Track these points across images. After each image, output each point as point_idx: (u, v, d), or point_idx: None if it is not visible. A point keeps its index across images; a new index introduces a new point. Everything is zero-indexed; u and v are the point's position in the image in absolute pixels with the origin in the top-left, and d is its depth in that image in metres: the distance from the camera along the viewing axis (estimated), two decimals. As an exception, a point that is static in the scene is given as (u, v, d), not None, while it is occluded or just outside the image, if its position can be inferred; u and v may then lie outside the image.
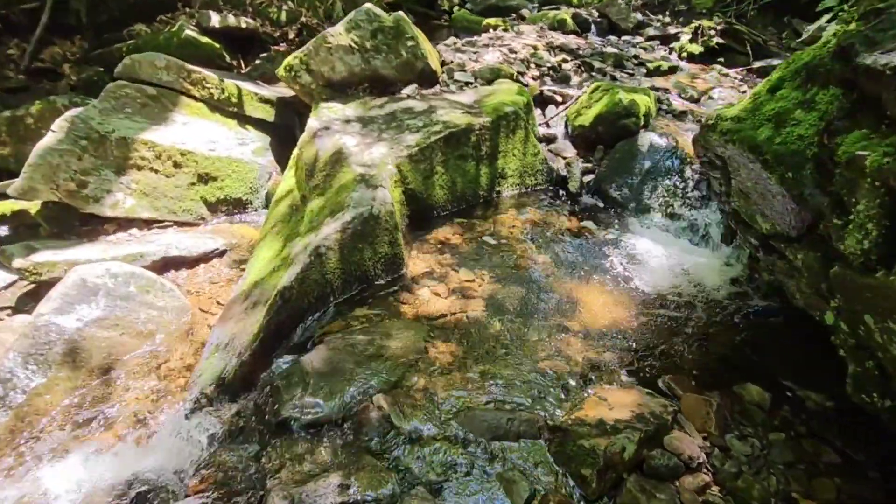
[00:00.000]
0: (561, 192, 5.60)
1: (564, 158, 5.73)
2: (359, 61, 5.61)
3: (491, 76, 6.30)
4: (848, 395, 2.72)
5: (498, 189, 5.25)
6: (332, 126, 5.00)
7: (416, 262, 4.43)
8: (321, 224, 3.84)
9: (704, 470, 2.42)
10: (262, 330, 2.81)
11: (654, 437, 2.43)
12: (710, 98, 6.67)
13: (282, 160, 5.48)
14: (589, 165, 5.60)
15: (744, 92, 6.76)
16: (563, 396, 2.87)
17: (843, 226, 2.15)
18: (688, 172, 5.11)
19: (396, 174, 4.45)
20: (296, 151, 5.03)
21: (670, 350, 3.69)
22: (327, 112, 5.29)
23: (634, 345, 3.72)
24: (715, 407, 3.04)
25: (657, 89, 6.45)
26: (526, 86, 6.34)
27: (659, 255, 4.68)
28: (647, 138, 5.44)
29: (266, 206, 5.79)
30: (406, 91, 5.82)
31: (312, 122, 5.15)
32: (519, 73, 6.69)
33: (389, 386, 2.61)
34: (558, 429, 2.43)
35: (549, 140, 5.99)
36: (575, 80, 6.86)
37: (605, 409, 2.65)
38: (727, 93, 6.81)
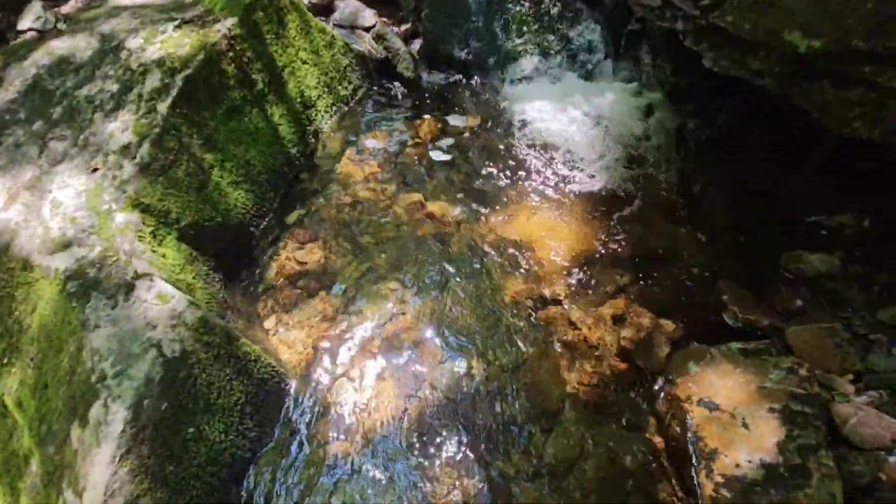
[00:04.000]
0: (391, 85, 3.48)
1: (367, 31, 3.42)
2: None
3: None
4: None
5: (312, 130, 2.95)
6: None
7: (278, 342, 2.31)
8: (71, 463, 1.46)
9: None
10: None
11: None
12: None
13: None
14: (407, 27, 3.42)
15: None
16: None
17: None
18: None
19: (145, 223, 1.96)
20: None
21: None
22: None
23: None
24: None
25: None
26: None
27: (561, 120, 3.19)
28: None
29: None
30: (28, 22, 2.65)
31: None
32: None
33: None
34: None
35: (327, 9, 3.51)
36: None
37: None
38: None
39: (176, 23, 2.58)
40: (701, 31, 2.20)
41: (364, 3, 3.64)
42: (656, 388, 2.11)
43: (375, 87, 3.54)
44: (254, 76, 2.68)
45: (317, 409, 2.12)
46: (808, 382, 1.86)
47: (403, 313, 2.41)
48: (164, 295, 1.72)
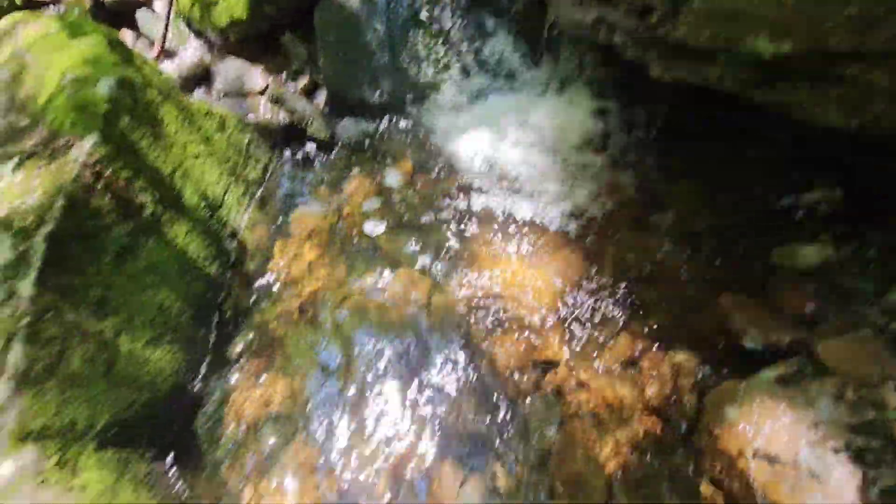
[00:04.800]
0: (304, 149, 2.98)
1: (260, 94, 2.90)
2: None
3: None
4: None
5: (227, 234, 2.47)
6: None
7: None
8: None
9: None
10: None
11: None
12: None
13: None
14: (305, 81, 2.94)
15: None
16: None
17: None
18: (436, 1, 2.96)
19: (46, 455, 1.46)
20: None
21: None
22: None
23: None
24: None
25: None
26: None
27: (501, 148, 2.91)
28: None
29: None
30: None
31: None
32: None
33: None
34: None
35: (204, 78, 2.94)
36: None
37: None
38: None
39: (14, 161, 1.95)
40: (645, 43, 1.90)
41: (246, 61, 3.07)
42: (700, 444, 1.86)
43: (287, 157, 3.02)
44: (138, 199, 2.11)
45: None
46: (861, 407, 1.66)
47: (402, 437, 2.00)
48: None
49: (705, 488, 1.81)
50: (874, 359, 1.80)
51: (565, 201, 2.68)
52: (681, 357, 2.13)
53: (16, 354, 1.60)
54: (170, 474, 1.84)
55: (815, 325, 2.00)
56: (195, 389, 2.10)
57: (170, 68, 3.12)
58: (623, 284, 2.34)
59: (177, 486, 1.83)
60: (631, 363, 2.19)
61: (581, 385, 2.16)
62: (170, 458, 1.88)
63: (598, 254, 2.51)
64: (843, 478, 1.57)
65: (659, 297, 2.34)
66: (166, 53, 3.18)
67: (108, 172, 2.04)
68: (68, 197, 1.87)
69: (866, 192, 2.26)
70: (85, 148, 2.00)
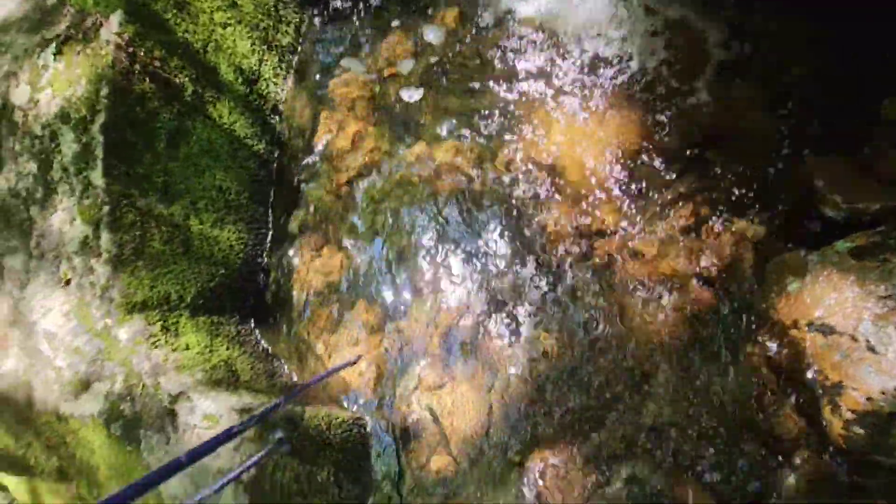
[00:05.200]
0: (337, 4, 2.71)
1: None
2: None
3: None
4: None
5: (269, 107, 2.53)
6: None
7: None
8: None
9: None
10: None
11: None
12: None
13: None
14: None
15: None
16: None
17: None
18: None
19: (150, 323, 1.86)
20: None
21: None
22: None
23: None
24: None
25: None
26: None
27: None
28: None
29: None
30: None
31: None
32: None
33: None
34: None
35: None
36: None
37: None
38: None
39: (52, 47, 1.94)
40: None
41: None
42: (754, 315, 1.84)
43: (320, 14, 2.77)
44: (177, 79, 2.08)
45: (399, 434, 2.02)
46: None
47: (450, 302, 2.15)
48: (210, 416, 1.52)
49: (754, 355, 1.83)
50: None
51: (627, 47, 2.32)
52: (745, 224, 1.99)
53: (104, 240, 1.77)
54: (254, 335, 2.12)
55: (914, 191, 1.74)
56: (264, 263, 2.28)
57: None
58: (693, 144, 2.12)
59: (261, 344, 2.12)
60: (690, 230, 2.08)
61: (633, 255, 2.12)
62: (252, 322, 2.15)
63: (663, 108, 2.25)
64: (904, 351, 1.52)
65: (731, 159, 2.12)
66: None
67: (141, 53, 1.97)
68: (111, 84, 1.86)
69: None
70: (113, 27, 1.92)
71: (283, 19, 2.58)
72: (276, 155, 2.46)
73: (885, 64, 1.92)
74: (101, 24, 1.94)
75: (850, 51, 2.00)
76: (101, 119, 1.85)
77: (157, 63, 2.03)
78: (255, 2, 2.46)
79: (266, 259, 2.32)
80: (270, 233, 2.35)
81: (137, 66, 1.96)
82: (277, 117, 2.51)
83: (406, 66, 2.54)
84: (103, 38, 1.91)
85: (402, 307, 2.22)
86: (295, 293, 2.34)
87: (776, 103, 2.11)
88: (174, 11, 2.13)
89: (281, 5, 2.58)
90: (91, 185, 1.81)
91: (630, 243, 2.13)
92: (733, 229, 2.00)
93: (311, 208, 2.50)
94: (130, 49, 1.94)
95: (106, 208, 1.80)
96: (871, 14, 1.95)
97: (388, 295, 2.24)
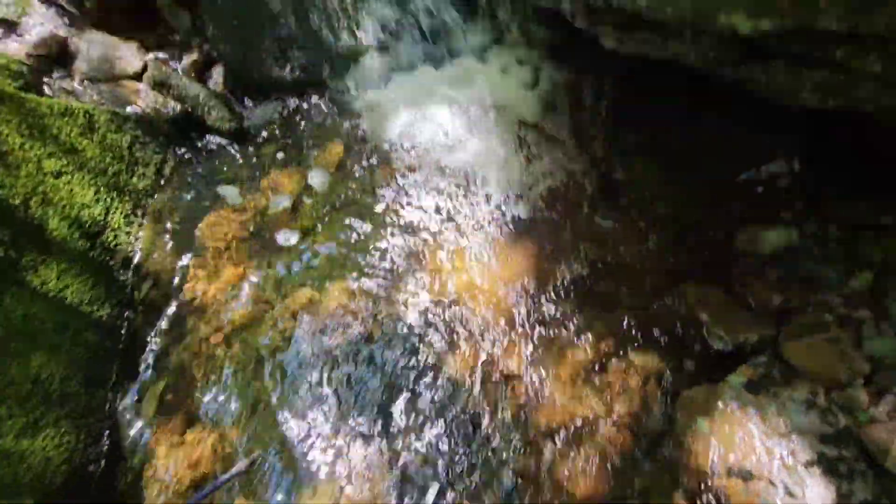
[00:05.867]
0: (204, 145, 2.50)
1: (137, 78, 2.33)
2: None
3: None
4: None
5: (120, 260, 2.06)
6: None
7: None
8: None
9: None
10: None
11: None
12: None
13: None
14: (193, 57, 2.38)
15: None
16: None
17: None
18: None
19: None
20: None
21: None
22: None
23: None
24: None
25: None
26: None
27: (437, 128, 2.53)
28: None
29: None
30: None
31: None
32: None
33: None
34: None
35: (60, 57, 2.32)
36: None
37: None
38: None
39: None
40: (598, 12, 1.55)
41: (114, 34, 2.41)
42: (673, 459, 1.74)
43: (184, 155, 2.47)
44: None
45: None
46: (831, 414, 1.57)
47: (355, 489, 1.76)
48: None
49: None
50: (840, 356, 1.69)
51: (511, 187, 2.36)
52: (646, 359, 1.97)
53: None
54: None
55: (781, 319, 1.86)
56: (100, 471, 1.71)
57: (13, 46, 2.41)
58: (580, 279, 2.13)
59: None
60: (595, 369, 2.01)
61: (543, 398, 1.97)
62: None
63: (551, 246, 2.27)
64: (818, 495, 1.48)
65: (619, 291, 2.15)
66: (5, 25, 2.44)
67: None
68: None
69: (827, 164, 2.09)
70: None
71: (140, 161, 2.25)
72: (125, 318, 1.99)
73: (733, 202, 2.13)
74: None
75: (702, 191, 2.22)
76: None
77: (-52, 229, 1.55)
78: (102, 145, 2.12)
79: (103, 463, 1.75)
80: (111, 423, 1.80)
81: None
82: (129, 272, 2.07)
83: (291, 203, 2.32)
84: None
85: (301, 493, 1.78)
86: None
87: (648, 237, 2.22)
88: (-16, 164, 1.69)
89: (137, 146, 2.26)
90: None
91: (537, 386, 1.99)
92: (637, 365, 1.96)
93: (173, 379, 2.02)
94: None
95: None
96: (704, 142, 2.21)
97: (277, 490, 1.79)
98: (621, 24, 1.55)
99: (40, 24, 2.49)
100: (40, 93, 2.15)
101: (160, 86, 2.30)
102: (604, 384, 1.97)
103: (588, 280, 2.14)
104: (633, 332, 2.05)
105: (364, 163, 2.47)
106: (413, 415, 1.93)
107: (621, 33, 1.59)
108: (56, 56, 2.40)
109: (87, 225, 1.96)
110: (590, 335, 2.07)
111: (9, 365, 1.58)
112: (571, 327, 2.12)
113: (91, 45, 2.37)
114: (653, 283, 2.15)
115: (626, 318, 2.05)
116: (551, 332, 2.11)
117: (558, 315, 2.14)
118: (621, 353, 2.02)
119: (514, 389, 2.01)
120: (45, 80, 2.35)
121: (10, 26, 2.46)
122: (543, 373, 2.01)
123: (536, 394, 1.98)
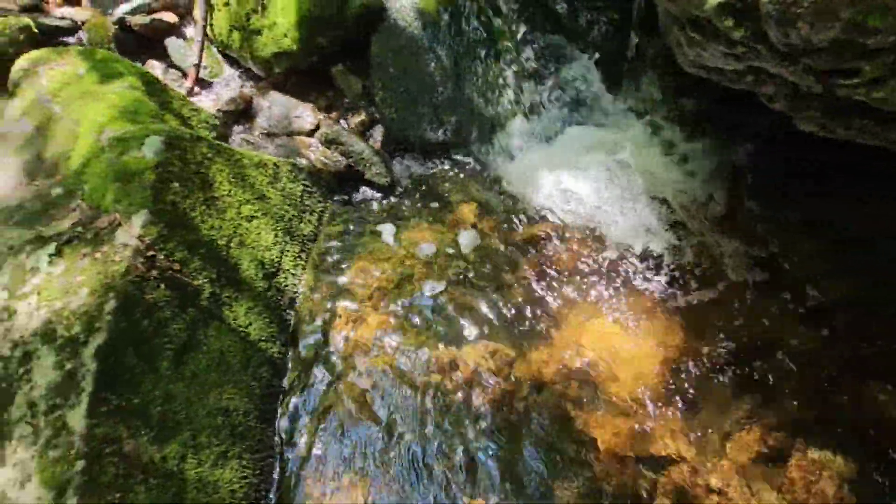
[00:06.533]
0: (360, 193, 2.60)
1: (311, 134, 2.53)
2: None
3: None
4: None
5: (286, 302, 2.21)
6: None
7: None
8: None
9: None
10: None
11: None
12: None
13: None
14: (361, 118, 2.55)
15: None
16: None
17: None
18: (503, 27, 2.59)
19: None
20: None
21: None
22: None
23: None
24: None
25: None
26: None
27: (582, 194, 2.58)
28: (402, 6, 2.53)
29: None
30: None
31: None
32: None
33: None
34: None
35: (244, 114, 2.56)
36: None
37: None
38: None
39: (50, 248, 1.57)
40: (809, 98, 1.51)
41: (293, 96, 2.67)
42: None
43: (341, 203, 2.64)
44: (195, 283, 1.73)
45: None
46: None
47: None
48: None
49: None
50: None
51: (660, 257, 2.31)
52: (830, 456, 1.77)
53: (71, 515, 1.23)
54: None
55: None
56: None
57: (206, 103, 2.73)
58: (739, 356, 1.99)
59: None
60: (767, 460, 1.83)
61: (710, 491, 1.81)
62: None
63: (703, 321, 2.16)
64: None
65: (785, 376, 1.98)
66: (200, 84, 2.78)
67: (161, 256, 1.65)
68: (120, 297, 1.50)
69: None
70: (134, 230, 1.63)
71: (308, 209, 2.42)
72: (288, 356, 2.08)
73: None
74: (119, 225, 1.65)
75: (878, 267, 2.06)
76: (98, 340, 1.45)
77: (175, 266, 1.71)
78: (283, 193, 2.31)
79: (274, 498, 1.79)
80: (279, 460, 1.85)
81: (154, 272, 1.63)
82: (293, 312, 2.19)
83: (436, 258, 2.39)
84: (119, 242, 1.60)
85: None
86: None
87: (818, 322, 2.07)
88: (202, 208, 1.90)
89: (306, 195, 2.44)
90: (66, 428, 1.33)
91: (702, 475, 1.84)
92: (816, 460, 1.78)
93: (323, 420, 2.06)
94: (150, 253, 1.63)
95: (80, 464, 1.30)
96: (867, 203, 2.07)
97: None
98: (834, 111, 1.53)
99: (229, 84, 2.82)
100: (227, 143, 2.40)
101: (330, 142, 2.51)
102: (780, 479, 1.80)
103: (747, 360, 2.01)
104: (809, 422, 1.89)
105: (505, 223, 2.53)
106: (559, 481, 1.84)
107: (828, 119, 1.56)
108: (240, 112, 2.68)
109: (266, 266, 2.11)
110: (757, 421, 1.92)
111: (207, 396, 1.68)
112: (733, 407, 1.98)
113: (272, 104, 2.64)
114: (824, 371, 1.98)
115: (798, 407, 1.89)
116: (710, 413, 1.98)
117: (716, 394, 2.01)
118: (797, 444, 1.85)
119: (674, 473, 1.88)
120: (231, 131, 2.62)
121: (206, 85, 2.80)
122: (706, 458, 1.87)
123: (701, 481, 1.84)
